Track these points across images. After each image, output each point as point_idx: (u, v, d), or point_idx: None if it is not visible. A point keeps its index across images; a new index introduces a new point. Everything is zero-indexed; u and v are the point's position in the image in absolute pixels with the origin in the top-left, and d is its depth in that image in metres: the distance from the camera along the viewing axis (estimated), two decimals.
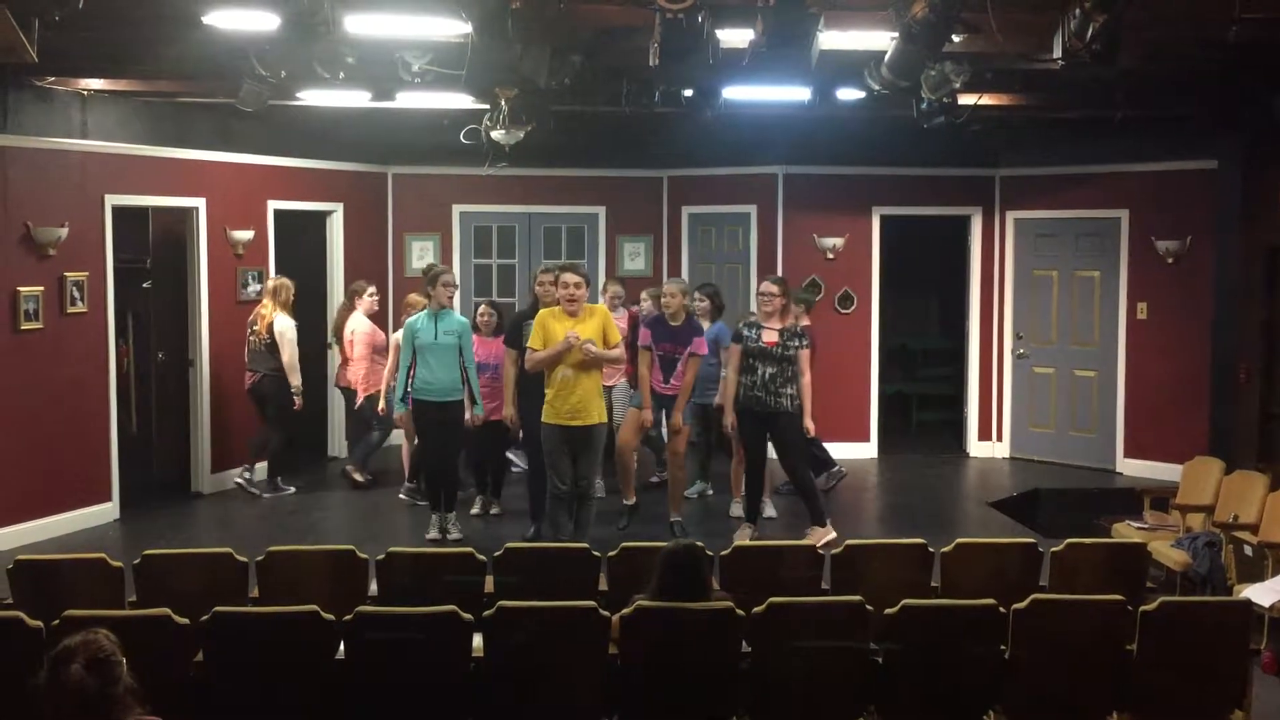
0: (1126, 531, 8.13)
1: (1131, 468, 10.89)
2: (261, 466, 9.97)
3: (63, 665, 3.06)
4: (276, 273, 10.42)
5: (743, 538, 8.20)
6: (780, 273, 11.51)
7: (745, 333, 8.29)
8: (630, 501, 8.80)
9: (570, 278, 7.66)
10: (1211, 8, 5.92)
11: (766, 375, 8.14)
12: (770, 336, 8.19)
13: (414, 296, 9.51)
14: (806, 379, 8.29)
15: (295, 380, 9.60)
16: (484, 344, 8.81)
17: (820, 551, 5.92)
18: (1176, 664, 4.79)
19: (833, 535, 8.14)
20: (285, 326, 9.59)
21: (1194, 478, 8.32)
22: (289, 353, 9.56)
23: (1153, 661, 4.78)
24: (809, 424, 8.30)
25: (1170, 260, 10.61)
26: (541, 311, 7.84)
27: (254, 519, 9.38)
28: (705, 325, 9.25)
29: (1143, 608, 4.81)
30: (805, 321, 9.14)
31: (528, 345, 7.71)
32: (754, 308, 8.63)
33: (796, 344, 8.22)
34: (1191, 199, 10.45)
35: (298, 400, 9.67)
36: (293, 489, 10.01)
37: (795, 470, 8.43)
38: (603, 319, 7.72)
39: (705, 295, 9.45)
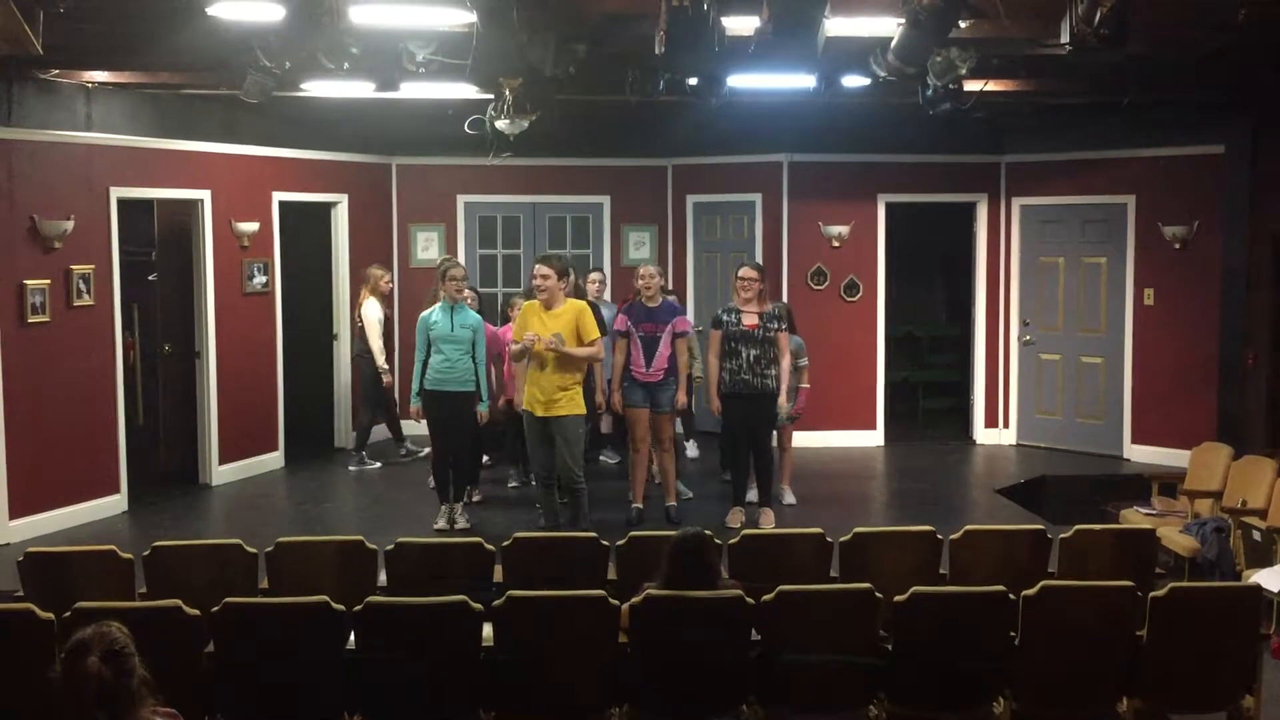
0: (1135, 518, 8.13)
1: (1139, 454, 10.87)
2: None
3: (79, 657, 3.06)
4: (283, 263, 10.68)
5: (734, 521, 8.41)
6: (786, 261, 11.56)
7: (725, 318, 8.40)
8: (638, 505, 8.77)
9: (540, 269, 7.82)
10: None
11: (751, 358, 8.27)
12: (750, 320, 8.33)
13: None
14: (786, 361, 8.44)
15: (379, 360, 10.34)
16: None
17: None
18: (1186, 650, 4.79)
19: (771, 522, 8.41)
20: (369, 311, 10.40)
21: (1202, 463, 8.31)
22: (372, 335, 10.34)
23: (1162, 647, 4.78)
24: (783, 400, 8.49)
25: (1177, 245, 10.58)
26: (525, 304, 8.02)
27: (263, 510, 9.40)
28: None
29: (1152, 594, 4.80)
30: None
31: (513, 336, 7.97)
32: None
33: (776, 326, 8.37)
34: (1199, 184, 10.41)
35: (385, 379, 10.38)
36: (378, 464, 10.60)
37: (766, 450, 8.57)
38: (576, 314, 7.75)
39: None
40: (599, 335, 7.88)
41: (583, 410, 7.85)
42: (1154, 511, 8.24)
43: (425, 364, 8.37)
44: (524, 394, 7.89)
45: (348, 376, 11.48)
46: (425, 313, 8.58)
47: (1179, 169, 10.59)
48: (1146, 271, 10.85)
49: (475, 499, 9.16)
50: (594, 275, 10.01)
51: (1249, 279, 9.86)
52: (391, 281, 10.68)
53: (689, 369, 8.87)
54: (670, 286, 11.06)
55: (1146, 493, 8.74)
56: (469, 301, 8.84)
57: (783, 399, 8.47)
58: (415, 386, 8.46)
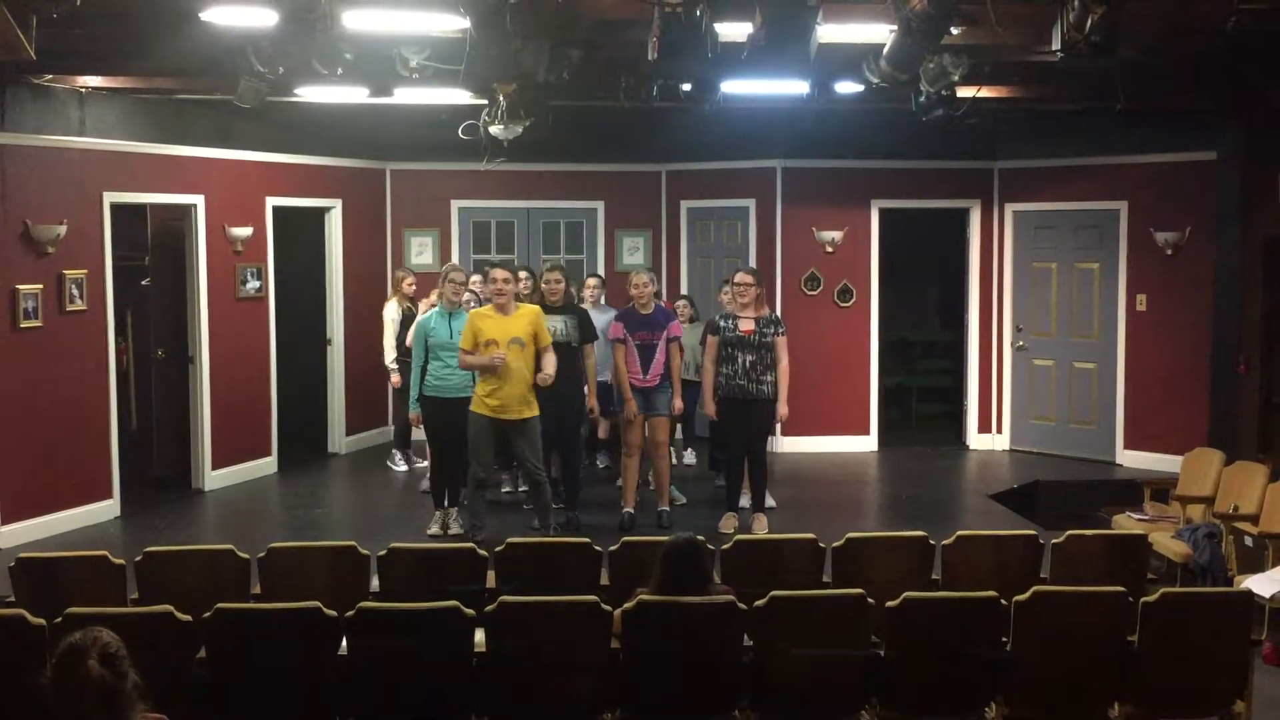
0: (1127, 523, 8.14)
1: (1131, 459, 10.89)
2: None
3: (78, 661, 3.03)
4: (276, 268, 10.69)
5: (728, 526, 8.43)
6: (779, 266, 11.57)
7: (722, 324, 8.44)
8: (629, 509, 8.77)
9: (498, 273, 7.89)
10: None
11: (747, 363, 8.31)
12: (747, 325, 8.35)
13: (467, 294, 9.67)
14: (784, 365, 8.41)
15: (385, 360, 10.32)
16: None
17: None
18: (1178, 655, 4.80)
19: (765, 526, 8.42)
20: (386, 312, 10.47)
21: (1194, 469, 8.32)
22: (385, 334, 10.34)
23: (1154, 652, 4.78)
24: (783, 409, 8.44)
25: (1169, 252, 10.61)
26: (473, 311, 8.10)
27: (255, 515, 9.39)
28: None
29: (1144, 599, 4.81)
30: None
31: (460, 345, 7.92)
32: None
33: (773, 331, 8.37)
34: (1191, 190, 10.45)
35: (392, 378, 10.29)
36: (405, 466, 10.72)
37: (761, 456, 8.60)
38: (532, 319, 7.82)
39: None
40: (550, 341, 7.93)
41: (538, 410, 7.90)
42: (1146, 517, 8.25)
43: (424, 370, 8.36)
44: (475, 398, 7.87)
45: (341, 381, 11.49)
46: (423, 318, 8.57)
47: (1171, 175, 10.62)
48: (1139, 277, 10.88)
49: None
50: (591, 281, 10.03)
51: (1241, 285, 9.89)
52: (414, 283, 10.60)
53: (681, 372, 8.89)
54: (664, 294, 11.09)
55: (1139, 498, 8.75)
56: (467, 306, 8.85)
57: (782, 406, 8.42)
58: (414, 394, 8.45)
